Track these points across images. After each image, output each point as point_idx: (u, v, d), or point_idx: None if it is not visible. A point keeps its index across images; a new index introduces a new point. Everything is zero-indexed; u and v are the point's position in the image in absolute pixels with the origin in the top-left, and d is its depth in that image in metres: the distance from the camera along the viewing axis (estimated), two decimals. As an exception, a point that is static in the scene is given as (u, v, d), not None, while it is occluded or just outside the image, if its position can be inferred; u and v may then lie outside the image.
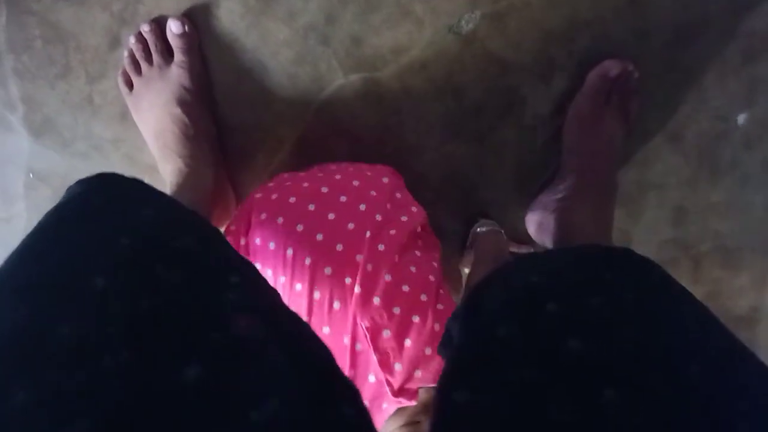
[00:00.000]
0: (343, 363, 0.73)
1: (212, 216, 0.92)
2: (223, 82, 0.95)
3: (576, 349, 0.45)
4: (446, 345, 0.63)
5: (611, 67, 0.88)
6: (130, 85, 0.93)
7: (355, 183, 0.80)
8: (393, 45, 0.90)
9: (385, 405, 0.75)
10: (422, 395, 0.77)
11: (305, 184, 0.80)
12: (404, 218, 0.79)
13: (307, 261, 0.73)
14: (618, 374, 0.43)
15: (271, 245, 0.75)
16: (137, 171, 0.99)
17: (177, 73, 0.90)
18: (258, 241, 0.77)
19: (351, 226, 0.75)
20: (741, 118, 0.95)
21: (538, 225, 0.95)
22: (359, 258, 0.73)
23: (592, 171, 0.89)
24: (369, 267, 0.73)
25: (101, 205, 0.53)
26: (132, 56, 0.91)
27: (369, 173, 0.83)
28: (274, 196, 0.79)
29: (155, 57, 0.90)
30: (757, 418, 0.41)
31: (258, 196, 0.81)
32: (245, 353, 0.43)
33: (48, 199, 1.01)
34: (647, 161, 0.97)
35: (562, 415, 0.41)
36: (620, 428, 0.40)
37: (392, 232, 0.77)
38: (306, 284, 0.73)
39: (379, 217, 0.76)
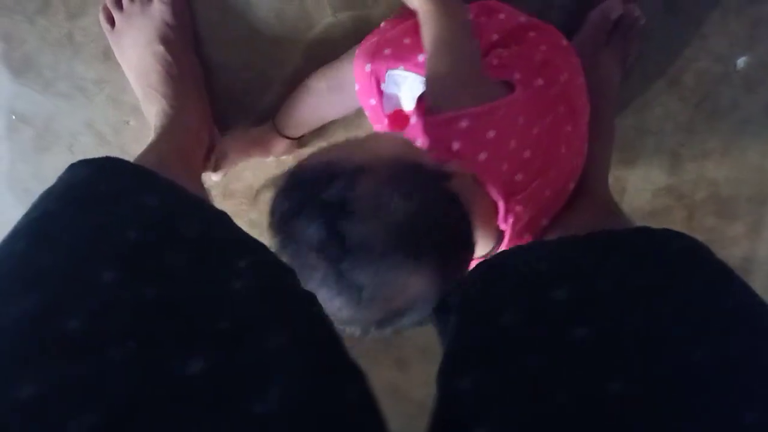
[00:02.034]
0: None
1: (197, 158, 0.90)
2: (207, 19, 0.91)
3: (583, 337, 0.45)
4: (441, 312, 0.62)
5: (613, 7, 0.86)
6: (111, 22, 0.89)
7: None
8: (384, -19, 0.87)
9: None
10: None
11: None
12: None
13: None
14: (624, 364, 0.43)
15: None
16: (122, 113, 0.97)
17: (159, 8, 0.87)
18: None
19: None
20: (741, 61, 0.92)
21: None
22: None
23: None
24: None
25: (107, 194, 0.53)
26: (112, -10, 0.88)
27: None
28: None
29: (136, -9, 0.87)
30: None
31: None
32: (249, 342, 0.43)
33: (31, 141, 0.99)
34: (646, 105, 0.95)
35: (565, 404, 0.41)
36: (626, 419, 0.40)
37: None
38: None
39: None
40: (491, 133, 0.66)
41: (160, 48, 0.86)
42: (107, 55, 0.93)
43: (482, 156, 0.66)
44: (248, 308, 0.47)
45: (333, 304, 0.56)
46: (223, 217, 0.59)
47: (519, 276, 0.57)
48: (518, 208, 0.69)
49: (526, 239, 0.74)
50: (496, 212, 0.68)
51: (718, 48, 0.92)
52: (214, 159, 0.93)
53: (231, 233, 0.58)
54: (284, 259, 0.57)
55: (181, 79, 0.88)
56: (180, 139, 0.85)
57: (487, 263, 0.62)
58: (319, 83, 0.89)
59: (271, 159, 0.98)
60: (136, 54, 0.88)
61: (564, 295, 0.49)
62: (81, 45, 0.93)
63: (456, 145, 0.65)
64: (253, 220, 1.02)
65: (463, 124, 0.65)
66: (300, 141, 0.97)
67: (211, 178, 0.97)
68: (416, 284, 0.57)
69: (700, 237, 1.01)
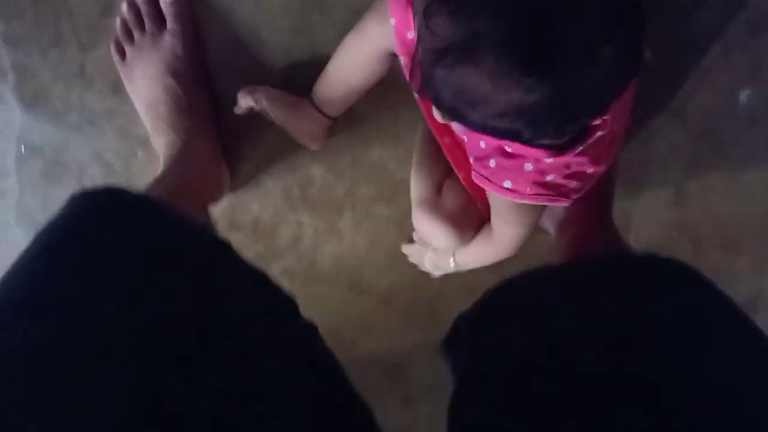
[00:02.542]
0: None
1: (205, 191, 0.90)
2: (217, 53, 0.93)
3: (593, 366, 0.45)
4: (451, 344, 0.62)
5: None
6: (122, 54, 0.91)
7: None
8: (391, 16, 0.89)
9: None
10: None
11: None
12: None
13: None
14: (633, 397, 0.43)
15: None
16: (130, 144, 0.98)
17: (170, 41, 0.88)
18: None
19: None
20: (744, 94, 0.94)
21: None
22: None
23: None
24: None
25: (110, 225, 0.53)
26: (124, 24, 0.90)
27: None
28: None
29: (148, 25, 0.89)
30: None
31: None
32: (252, 374, 0.44)
33: (40, 173, 0.99)
34: (649, 138, 0.96)
35: None
36: None
37: None
38: None
39: None
40: None
41: (170, 80, 0.88)
42: (117, 87, 0.94)
43: None
44: (252, 339, 0.47)
45: (511, 58, 0.48)
46: (223, 246, 0.59)
47: (525, 305, 0.57)
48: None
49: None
50: None
51: (721, 82, 0.93)
52: (251, 93, 0.90)
53: (230, 262, 0.58)
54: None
55: (190, 112, 0.89)
56: (188, 171, 0.85)
57: (495, 290, 0.62)
58: (346, 38, 0.84)
59: (297, 136, 0.95)
60: (146, 86, 0.89)
61: (571, 326, 0.50)
62: (92, 77, 0.95)
63: None
64: (259, 252, 1.02)
65: None
66: (330, 131, 0.95)
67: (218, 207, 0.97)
68: (610, 47, 0.49)
69: (705, 272, 1.02)
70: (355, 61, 0.85)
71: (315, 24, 0.90)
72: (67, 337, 0.41)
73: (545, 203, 0.71)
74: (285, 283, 0.67)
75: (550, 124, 0.53)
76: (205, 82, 0.94)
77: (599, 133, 0.64)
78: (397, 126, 0.94)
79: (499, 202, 0.77)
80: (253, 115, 0.95)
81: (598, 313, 0.50)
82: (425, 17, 0.51)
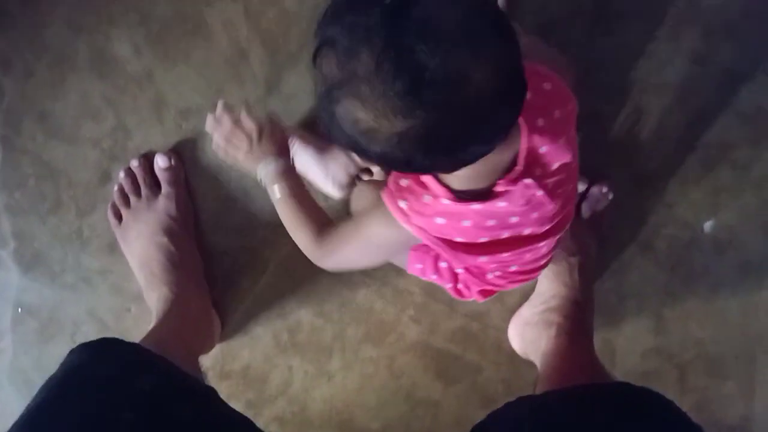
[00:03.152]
0: None
1: (197, 342, 0.92)
2: (209, 210, 0.99)
3: None
4: None
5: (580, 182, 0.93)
6: (119, 218, 0.96)
7: None
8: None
9: None
10: None
11: None
12: None
13: None
14: None
15: None
16: (124, 300, 1.00)
17: (164, 203, 0.93)
18: None
19: None
20: (707, 225, 0.99)
21: (521, 338, 0.96)
22: None
23: (568, 283, 0.91)
24: None
25: (105, 377, 0.56)
26: (121, 190, 0.95)
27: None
28: None
29: (143, 190, 0.94)
30: None
31: None
32: None
33: (35, 332, 1.01)
34: (622, 271, 1.00)
35: None
36: None
37: None
38: None
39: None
40: (557, 113, 0.66)
41: (164, 239, 0.92)
42: (112, 247, 0.99)
43: (540, 122, 0.65)
44: None
45: (383, 88, 0.50)
46: (212, 396, 0.61)
47: None
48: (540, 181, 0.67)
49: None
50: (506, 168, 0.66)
51: (684, 215, 0.99)
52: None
53: (218, 412, 0.60)
54: (330, 32, 0.52)
55: (182, 267, 0.93)
56: (180, 323, 0.88)
57: (479, 427, 0.63)
58: None
59: (322, 183, 0.94)
60: (140, 245, 0.94)
61: None
62: (89, 239, 0.99)
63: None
64: (250, 400, 1.02)
65: (547, 86, 0.66)
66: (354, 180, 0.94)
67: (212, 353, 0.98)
68: (479, 75, 0.50)
69: (694, 397, 1.02)
70: None
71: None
72: None
73: (422, 238, 0.70)
74: (277, 431, 0.68)
75: (438, 151, 0.54)
76: (196, 238, 0.98)
77: (502, 203, 0.66)
78: (382, 268, 0.98)
79: (379, 212, 0.73)
80: (244, 266, 0.99)
81: None
82: (315, 63, 0.55)
